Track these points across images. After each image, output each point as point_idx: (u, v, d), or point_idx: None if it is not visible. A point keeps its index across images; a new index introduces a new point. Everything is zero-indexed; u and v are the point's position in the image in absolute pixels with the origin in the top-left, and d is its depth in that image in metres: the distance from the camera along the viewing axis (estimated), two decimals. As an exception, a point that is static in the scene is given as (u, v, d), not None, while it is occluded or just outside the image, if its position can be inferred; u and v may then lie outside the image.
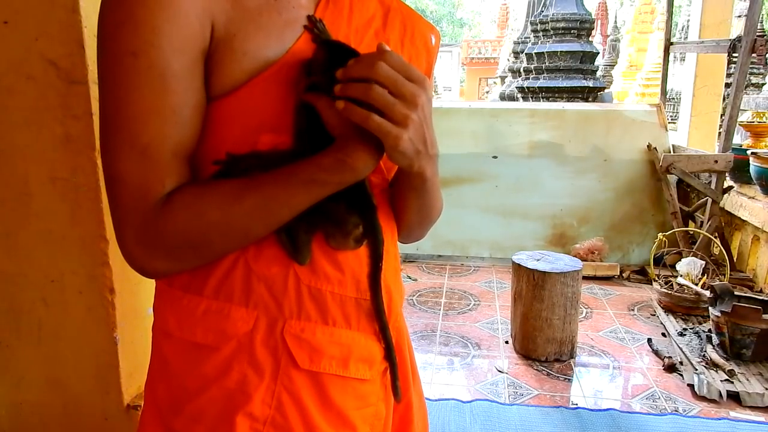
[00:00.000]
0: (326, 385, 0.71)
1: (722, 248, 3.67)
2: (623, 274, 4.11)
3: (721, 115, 4.88)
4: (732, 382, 2.56)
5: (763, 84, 8.35)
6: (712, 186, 3.96)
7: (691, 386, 2.59)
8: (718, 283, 2.97)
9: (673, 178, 4.21)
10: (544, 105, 5.89)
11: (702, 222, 3.99)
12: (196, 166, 0.68)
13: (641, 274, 4.12)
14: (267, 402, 0.68)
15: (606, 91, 9.10)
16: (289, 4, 0.69)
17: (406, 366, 0.86)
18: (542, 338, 2.84)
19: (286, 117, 0.67)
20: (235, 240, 0.67)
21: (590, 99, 7.54)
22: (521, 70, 8.41)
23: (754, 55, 3.84)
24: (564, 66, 7.58)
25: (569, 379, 2.71)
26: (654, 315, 3.43)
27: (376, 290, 0.72)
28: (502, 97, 10.74)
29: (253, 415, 0.68)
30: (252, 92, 0.66)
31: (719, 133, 4.53)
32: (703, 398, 2.50)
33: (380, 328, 0.74)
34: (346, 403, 0.72)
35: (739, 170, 4.00)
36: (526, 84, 7.85)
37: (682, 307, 3.35)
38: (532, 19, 8.31)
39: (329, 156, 0.63)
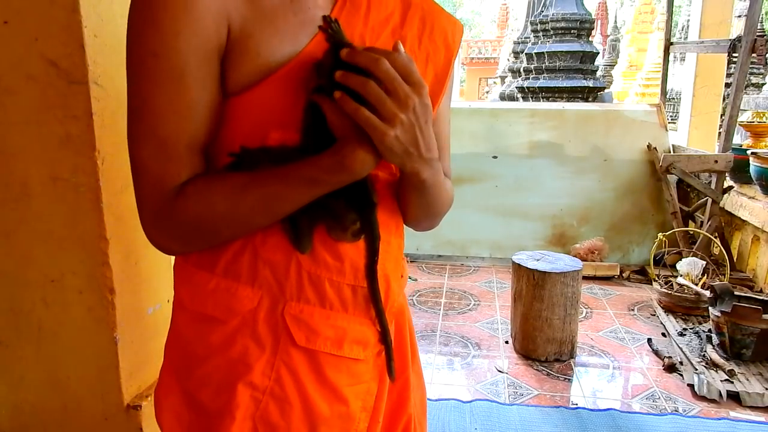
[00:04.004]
0: (322, 362, 0.76)
1: (722, 248, 3.67)
2: (623, 274, 4.11)
3: (721, 115, 4.88)
4: (732, 382, 2.56)
5: (763, 84, 8.34)
6: (712, 186, 3.96)
7: (691, 386, 2.59)
8: (718, 283, 2.96)
9: (673, 178, 4.21)
10: (544, 105, 5.89)
11: (702, 222, 3.99)
12: (212, 156, 0.74)
13: (641, 274, 4.12)
14: (267, 374, 0.74)
15: (606, 91, 9.10)
16: (305, 5, 0.72)
17: (405, 347, 0.91)
18: (542, 338, 2.84)
19: (295, 115, 0.70)
20: (240, 229, 0.73)
21: (590, 99, 7.54)
22: (521, 70, 8.41)
23: (754, 55, 3.84)
24: (564, 66, 7.58)
25: (569, 379, 2.71)
26: (654, 315, 3.43)
27: (373, 281, 0.77)
28: (502, 97, 10.74)
29: (254, 383, 0.74)
30: (264, 91, 0.70)
31: (719, 133, 4.52)
32: (703, 398, 2.50)
33: (376, 314, 0.79)
34: (339, 380, 0.77)
35: (739, 170, 4.00)
36: (526, 84, 7.84)
37: (682, 307, 3.35)
38: (532, 19, 8.31)
39: (329, 157, 0.67)
